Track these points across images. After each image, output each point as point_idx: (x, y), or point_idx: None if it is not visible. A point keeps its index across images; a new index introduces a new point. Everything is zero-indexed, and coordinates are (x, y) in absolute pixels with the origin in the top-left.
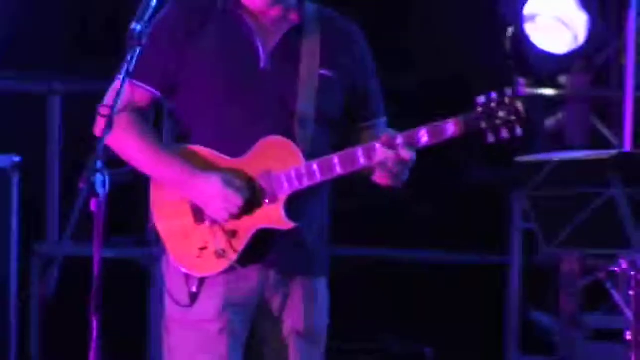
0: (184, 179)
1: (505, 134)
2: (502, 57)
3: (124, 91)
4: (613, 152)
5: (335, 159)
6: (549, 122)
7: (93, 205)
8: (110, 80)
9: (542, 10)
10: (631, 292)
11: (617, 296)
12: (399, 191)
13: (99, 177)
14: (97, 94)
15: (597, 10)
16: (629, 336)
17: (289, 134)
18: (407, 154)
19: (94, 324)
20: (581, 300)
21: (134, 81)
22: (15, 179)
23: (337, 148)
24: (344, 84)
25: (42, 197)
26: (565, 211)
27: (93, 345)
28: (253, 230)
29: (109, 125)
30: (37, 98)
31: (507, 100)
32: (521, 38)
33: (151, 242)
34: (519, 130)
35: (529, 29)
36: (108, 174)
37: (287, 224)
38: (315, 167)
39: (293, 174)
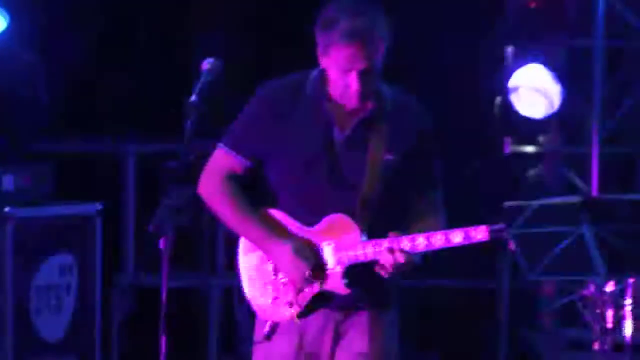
0: (263, 242)
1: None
2: (492, 120)
3: (224, 158)
4: (582, 197)
5: (386, 243)
6: (531, 173)
7: (161, 243)
8: (171, 139)
9: (524, 82)
10: (598, 311)
11: (587, 314)
12: None
13: (166, 221)
14: (164, 151)
15: (569, 82)
16: (596, 346)
17: (352, 212)
18: (400, 259)
19: (163, 341)
20: (558, 317)
21: (233, 152)
22: (99, 222)
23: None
24: (405, 167)
25: (120, 237)
26: (543, 246)
27: (162, 358)
28: (315, 291)
29: (176, 180)
30: (115, 156)
31: None
32: (507, 105)
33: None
34: None
35: (513, 98)
36: (173, 218)
37: (345, 291)
38: (370, 247)
39: (351, 251)
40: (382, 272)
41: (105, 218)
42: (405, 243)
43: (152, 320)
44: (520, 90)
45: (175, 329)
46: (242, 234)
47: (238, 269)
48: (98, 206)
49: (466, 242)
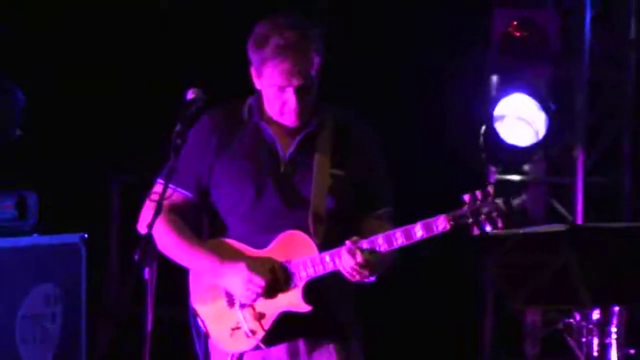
0: (214, 269)
1: (488, 227)
2: (477, 149)
3: (165, 192)
4: (567, 226)
5: (344, 248)
6: (515, 202)
7: (146, 273)
8: (156, 169)
9: (509, 111)
10: (583, 339)
11: (572, 343)
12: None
13: (150, 251)
14: (147, 182)
15: (554, 111)
16: None
17: (305, 228)
18: (359, 259)
19: None
20: (543, 346)
21: (173, 186)
22: (83, 251)
23: (353, 233)
24: (353, 181)
25: (105, 267)
26: (527, 274)
27: None
28: (277, 313)
29: (158, 211)
30: (99, 186)
31: (489, 198)
32: (492, 134)
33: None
34: (500, 224)
35: (498, 126)
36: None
37: (305, 308)
38: (327, 258)
39: (309, 263)
40: (346, 276)
41: (90, 247)
42: (364, 244)
43: (137, 349)
44: (506, 119)
45: (160, 358)
46: (190, 264)
47: (191, 303)
48: (82, 236)
49: (428, 235)
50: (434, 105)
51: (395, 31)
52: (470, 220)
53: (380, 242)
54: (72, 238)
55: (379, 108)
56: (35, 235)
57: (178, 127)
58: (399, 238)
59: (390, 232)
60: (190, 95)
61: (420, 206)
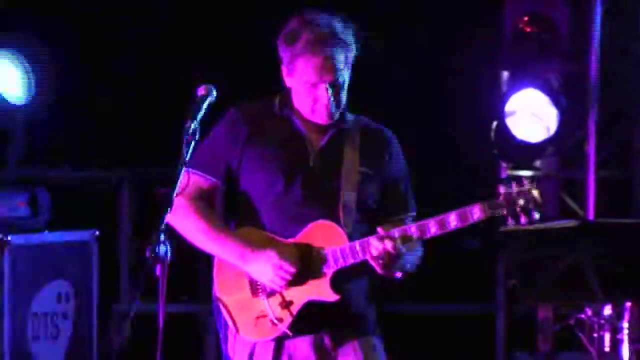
0: (243, 255)
1: (523, 219)
2: (488, 145)
3: (191, 180)
4: (578, 221)
5: (374, 240)
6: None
7: (158, 270)
8: (167, 167)
9: (520, 107)
10: (595, 335)
11: (583, 338)
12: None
13: (162, 248)
14: (160, 177)
15: (565, 106)
16: None
17: (335, 219)
18: (389, 246)
19: None
20: (555, 341)
21: (201, 173)
22: (95, 249)
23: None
24: (378, 180)
25: (117, 264)
26: (539, 270)
27: None
28: (304, 301)
29: (170, 206)
30: (111, 185)
31: (525, 189)
32: (504, 130)
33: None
34: (536, 216)
35: (510, 122)
36: (170, 244)
37: (333, 297)
38: (357, 246)
39: (338, 252)
40: (375, 265)
41: (102, 244)
42: (396, 232)
43: (149, 346)
44: (517, 115)
45: (174, 355)
46: (219, 252)
47: (215, 293)
48: (94, 232)
49: (463, 224)
50: (445, 101)
51: (404, 26)
52: (506, 211)
53: (412, 231)
54: (84, 235)
55: (388, 104)
56: (47, 232)
57: (188, 123)
58: (433, 227)
59: (423, 221)
60: (202, 91)
61: (430, 203)
